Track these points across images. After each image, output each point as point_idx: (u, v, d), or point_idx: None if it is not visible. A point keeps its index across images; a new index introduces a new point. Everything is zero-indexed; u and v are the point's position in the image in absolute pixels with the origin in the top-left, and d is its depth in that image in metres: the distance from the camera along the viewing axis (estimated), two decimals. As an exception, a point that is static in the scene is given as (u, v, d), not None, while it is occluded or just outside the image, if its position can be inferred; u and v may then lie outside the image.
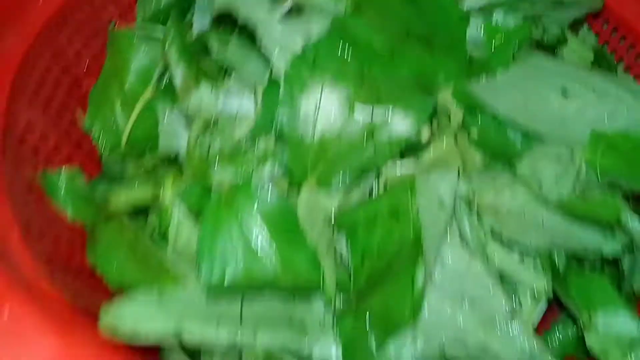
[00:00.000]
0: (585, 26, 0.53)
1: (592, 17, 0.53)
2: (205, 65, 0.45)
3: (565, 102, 0.41)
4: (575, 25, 0.52)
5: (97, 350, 0.29)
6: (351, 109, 0.36)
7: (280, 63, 0.36)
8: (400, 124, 0.36)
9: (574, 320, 0.46)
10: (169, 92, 0.46)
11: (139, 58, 0.48)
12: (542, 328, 0.47)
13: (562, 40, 0.47)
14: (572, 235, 0.38)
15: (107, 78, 0.50)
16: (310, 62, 0.36)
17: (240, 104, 0.41)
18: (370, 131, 0.36)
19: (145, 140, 0.49)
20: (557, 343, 0.48)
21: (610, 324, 0.38)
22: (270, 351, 0.37)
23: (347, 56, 0.37)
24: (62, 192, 0.47)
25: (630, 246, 0.39)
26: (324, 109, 0.36)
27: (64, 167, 0.47)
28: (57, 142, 0.49)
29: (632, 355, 0.36)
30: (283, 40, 0.37)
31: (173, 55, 0.45)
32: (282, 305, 0.39)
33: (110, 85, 0.49)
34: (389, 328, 0.39)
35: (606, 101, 0.41)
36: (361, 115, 0.36)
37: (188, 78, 0.44)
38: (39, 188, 0.45)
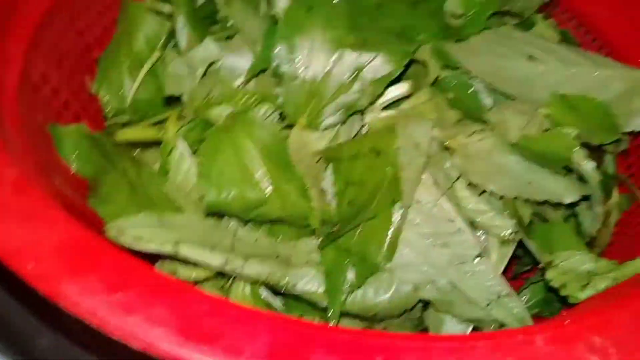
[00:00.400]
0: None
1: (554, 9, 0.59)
2: (212, 31, 0.50)
3: (531, 66, 0.46)
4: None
5: (101, 239, 0.32)
6: (340, 52, 0.41)
7: (281, 5, 0.41)
8: (383, 66, 0.41)
9: (541, 283, 0.49)
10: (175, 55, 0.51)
11: (149, 25, 0.52)
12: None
13: (530, 23, 0.53)
14: (535, 182, 0.42)
15: (116, 43, 0.54)
16: (307, 6, 0.41)
17: (240, 59, 0.45)
18: (357, 72, 0.40)
19: (149, 104, 0.53)
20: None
21: (569, 261, 0.41)
22: (257, 279, 0.40)
23: (340, 5, 0.41)
24: (68, 146, 0.51)
25: (587, 197, 0.43)
26: (317, 50, 0.40)
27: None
28: (67, 99, 0.52)
29: (589, 286, 0.39)
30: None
31: (180, 20, 0.49)
32: (270, 242, 0.42)
33: (119, 50, 0.53)
34: (366, 268, 0.42)
35: (568, 67, 0.46)
36: (349, 58, 0.41)
37: (193, 40, 0.49)
38: (49, 136, 0.49)
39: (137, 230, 0.37)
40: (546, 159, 0.41)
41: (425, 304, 0.44)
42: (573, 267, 0.41)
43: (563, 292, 0.39)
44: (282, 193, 0.39)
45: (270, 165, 0.39)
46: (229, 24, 0.47)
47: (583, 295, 0.38)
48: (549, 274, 0.41)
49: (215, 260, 0.38)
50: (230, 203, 0.38)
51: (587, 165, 0.40)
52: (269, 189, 0.39)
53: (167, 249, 0.37)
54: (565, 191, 0.41)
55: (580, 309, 0.36)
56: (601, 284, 0.38)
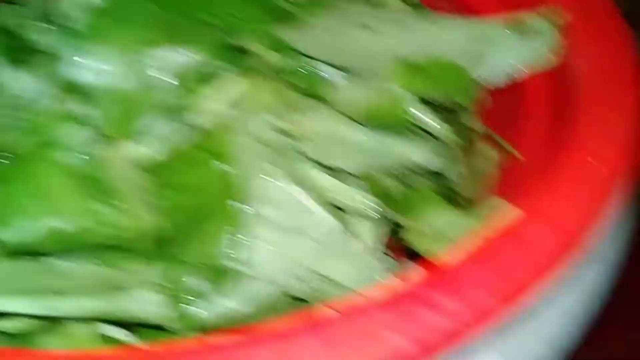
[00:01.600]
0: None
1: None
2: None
3: (372, 39, 0.43)
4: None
5: None
6: (152, 52, 0.37)
7: (76, 14, 0.37)
8: (203, 62, 0.37)
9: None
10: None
11: None
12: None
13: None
14: (384, 150, 0.39)
15: None
16: (107, 9, 0.37)
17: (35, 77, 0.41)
18: (174, 71, 0.37)
19: None
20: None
21: (432, 223, 0.38)
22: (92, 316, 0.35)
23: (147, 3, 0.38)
24: None
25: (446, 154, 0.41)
26: (122, 54, 0.37)
27: None
28: None
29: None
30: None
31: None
32: (98, 271, 0.37)
33: None
34: (215, 275, 0.37)
35: (407, 31, 0.44)
36: (163, 57, 0.37)
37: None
38: None
39: None
40: (387, 123, 0.38)
41: (298, 301, 0.40)
42: (436, 227, 0.38)
43: (418, 248, 0.36)
44: (99, 216, 0.34)
45: (82, 188, 0.35)
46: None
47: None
48: (408, 236, 0.38)
49: (34, 307, 0.33)
50: (39, 240, 0.34)
51: (428, 121, 0.38)
52: (84, 216, 0.34)
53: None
54: (415, 151, 0.39)
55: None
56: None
